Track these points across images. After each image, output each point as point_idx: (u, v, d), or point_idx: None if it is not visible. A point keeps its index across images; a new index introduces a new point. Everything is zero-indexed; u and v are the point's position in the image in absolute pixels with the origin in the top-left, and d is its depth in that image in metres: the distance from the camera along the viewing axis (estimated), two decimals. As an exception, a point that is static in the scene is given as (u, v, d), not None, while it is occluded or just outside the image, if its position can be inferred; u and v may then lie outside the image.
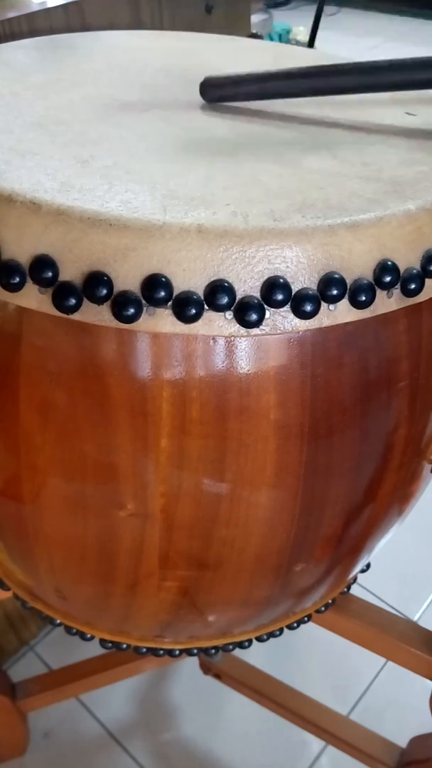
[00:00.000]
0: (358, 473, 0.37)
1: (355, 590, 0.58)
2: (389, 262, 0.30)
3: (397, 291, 0.31)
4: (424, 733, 0.72)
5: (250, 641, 0.51)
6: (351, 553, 0.45)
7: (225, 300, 0.28)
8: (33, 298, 0.29)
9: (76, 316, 0.29)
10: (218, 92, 0.42)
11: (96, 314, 0.29)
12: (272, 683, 0.79)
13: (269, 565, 0.40)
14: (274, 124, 0.40)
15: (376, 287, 0.30)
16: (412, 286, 0.30)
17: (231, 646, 0.50)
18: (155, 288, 0.28)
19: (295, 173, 0.34)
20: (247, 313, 0.28)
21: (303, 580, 0.43)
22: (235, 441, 0.33)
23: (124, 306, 0.28)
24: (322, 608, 0.53)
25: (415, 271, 0.30)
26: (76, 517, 0.37)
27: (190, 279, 0.28)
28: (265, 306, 0.28)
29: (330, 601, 0.54)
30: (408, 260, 0.30)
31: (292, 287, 0.28)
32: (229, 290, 0.28)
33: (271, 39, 2.82)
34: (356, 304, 0.30)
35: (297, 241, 0.28)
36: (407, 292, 0.31)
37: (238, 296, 0.28)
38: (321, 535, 0.40)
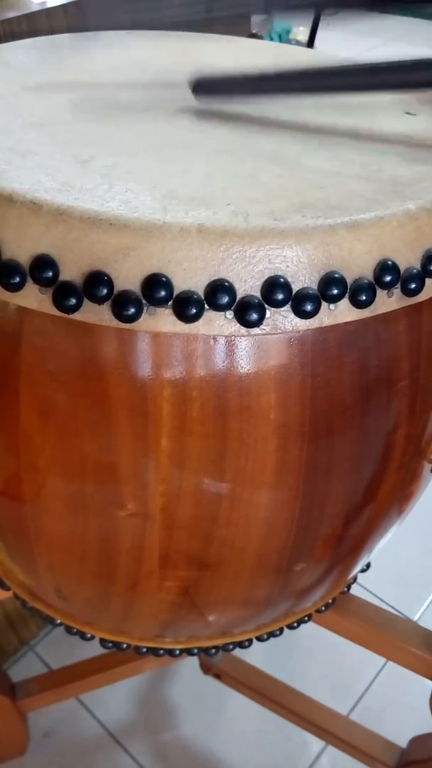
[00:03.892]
0: (358, 473, 0.37)
1: (355, 590, 0.58)
2: (389, 262, 0.30)
3: (397, 291, 0.31)
4: (424, 733, 0.72)
5: (250, 641, 0.51)
6: (351, 553, 0.45)
7: (225, 299, 0.28)
8: (33, 298, 0.29)
9: (76, 316, 0.29)
10: (209, 90, 0.42)
11: (96, 314, 0.29)
12: (272, 683, 0.79)
13: (269, 565, 0.40)
14: (275, 125, 0.40)
15: (377, 287, 0.30)
16: (413, 286, 0.31)
17: (231, 646, 0.50)
18: (156, 288, 0.28)
19: (295, 173, 0.34)
20: (247, 312, 0.28)
21: (303, 579, 0.43)
22: (235, 441, 0.33)
23: (124, 306, 0.28)
24: (322, 608, 0.53)
25: (415, 270, 0.30)
26: (76, 517, 0.37)
27: (190, 278, 0.28)
28: (266, 305, 0.28)
29: (330, 601, 0.54)
30: (408, 260, 0.30)
31: (293, 287, 0.28)
32: (230, 290, 0.28)
33: (271, 39, 2.82)
34: (356, 304, 0.30)
35: (297, 240, 0.28)
36: (407, 292, 0.31)
37: (239, 296, 0.28)
38: (321, 535, 0.40)
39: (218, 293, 0.28)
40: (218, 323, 0.28)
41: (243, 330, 0.29)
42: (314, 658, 0.96)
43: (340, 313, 0.30)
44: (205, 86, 0.41)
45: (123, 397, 0.32)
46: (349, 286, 0.29)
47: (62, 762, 0.86)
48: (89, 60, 0.48)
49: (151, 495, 0.35)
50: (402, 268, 0.30)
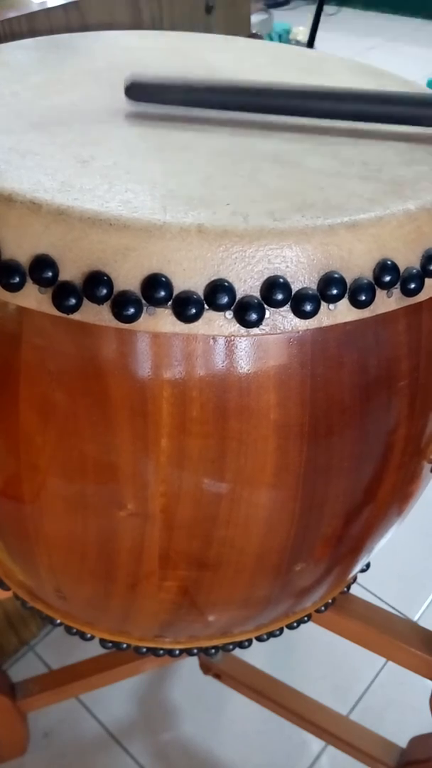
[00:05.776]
0: (357, 473, 0.37)
1: (355, 590, 0.58)
2: (389, 262, 0.30)
3: (396, 290, 0.31)
4: (424, 733, 0.72)
5: (250, 641, 0.51)
6: (351, 553, 0.45)
7: (225, 300, 0.28)
8: (33, 298, 0.29)
9: (76, 316, 0.29)
10: (144, 93, 0.41)
11: (96, 314, 0.29)
12: (272, 683, 0.79)
13: (269, 565, 0.40)
14: (274, 125, 0.40)
15: (376, 287, 0.30)
16: (412, 286, 0.31)
17: (231, 646, 0.50)
18: (155, 288, 0.28)
19: (295, 173, 0.34)
20: (247, 312, 0.28)
21: (303, 579, 0.43)
22: (235, 441, 0.33)
23: (124, 306, 0.28)
24: (322, 608, 0.53)
25: (414, 270, 0.30)
26: (76, 517, 0.37)
27: (190, 279, 0.28)
28: (265, 306, 0.28)
29: (330, 601, 0.54)
30: (408, 260, 0.30)
31: (292, 287, 0.28)
32: (229, 290, 0.28)
33: (271, 39, 2.82)
34: (356, 304, 0.30)
35: (297, 240, 0.28)
36: (407, 292, 0.31)
37: (238, 296, 0.28)
38: (321, 535, 0.40)
39: (218, 293, 0.28)
40: (218, 323, 0.28)
41: (242, 330, 0.29)
42: (314, 658, 0.96)
43: (339, 313, 0.30)
44: (138, 90, 0.41)
45: (123, 397, 0.32)
46: (348, 286, 0.29)
47: (62, 762, 0.86)
48: (89, 60, 0.48)
49: (151, 495, 0.35)
50: (401, 268, 0.30)
